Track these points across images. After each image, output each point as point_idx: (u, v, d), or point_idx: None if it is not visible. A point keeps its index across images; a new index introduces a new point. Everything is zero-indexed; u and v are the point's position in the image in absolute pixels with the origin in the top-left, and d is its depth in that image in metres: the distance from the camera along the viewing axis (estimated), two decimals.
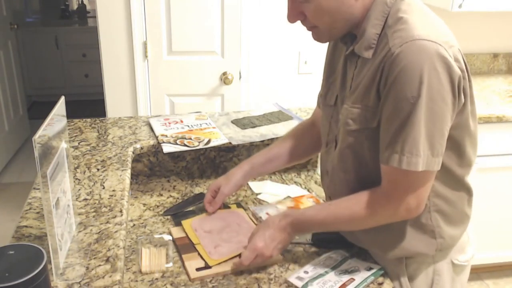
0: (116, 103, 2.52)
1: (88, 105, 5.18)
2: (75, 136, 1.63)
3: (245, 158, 1.68)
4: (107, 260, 1.01)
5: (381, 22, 1.02)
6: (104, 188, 1.29)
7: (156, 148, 1.58)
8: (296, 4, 1.03)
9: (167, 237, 1.27)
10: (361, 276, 1.13)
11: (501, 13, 2.75)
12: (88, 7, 5.61)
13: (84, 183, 1.31)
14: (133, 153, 1.54)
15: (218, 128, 1.68)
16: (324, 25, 1.04)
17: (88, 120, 1.77)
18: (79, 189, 1.28)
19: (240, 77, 2.52)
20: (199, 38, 2.44)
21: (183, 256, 1.21)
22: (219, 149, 1.65)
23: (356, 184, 1.12)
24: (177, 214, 1.42)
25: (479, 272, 2.67)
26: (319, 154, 1.33)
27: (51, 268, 0.93)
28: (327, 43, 1.23)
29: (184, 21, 2.40)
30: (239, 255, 1.17)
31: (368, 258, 1.21)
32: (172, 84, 2.51)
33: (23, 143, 4.34)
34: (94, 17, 4.81)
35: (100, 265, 0.99)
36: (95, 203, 1.22)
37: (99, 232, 1.10)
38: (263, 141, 1.62)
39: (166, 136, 1.60)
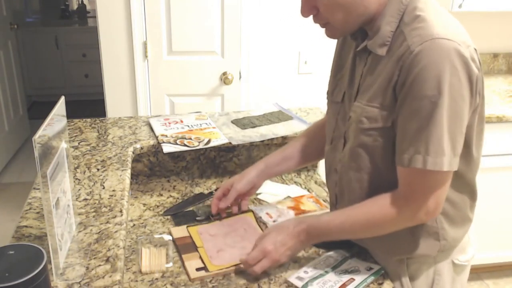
0: (116, 103, 2.52)
1: (88, 105, 5.18)
2: (75, 136, 1.63)
3: (245, 158, 1.69)
4: (107, 260, 1.01)
5: (397, 20, 1.01)
6: (104, 188, 1.29)
7: (156, 148, 1.58)
8: None
9: (167, 237, 1.27)
10: (361, 276, 1.13)
11: (501, 13, 2.75)
12: (88, 7, 5.61)
13: (84, 183, 1.31)
14: (133, 153, 1.54)
15: (218, 128, 1.68)
16: (337, 20, 1.03)
17: (88, 120, 1.77)
18: (79, 189, 1.28)
19: (240, 77, 2.52)
20: (199, 38, 2.44)
21: (183, 256, 1.20)
22: (219, 149, 1.65)
23: (368, 184, 1.11)
24: (177, 214, 1.42)
25: (479, 272, 2.67)
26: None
27: (51, 268, 0.93)
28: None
29: (184, 21, 2.40)
30: (240, 264, 1.17)
31: (368, 258, 1.21)
32: (172, 84, 2.51)
33: (23, 143, 4.34)
34: (94, 17, 4.82)
35: (100, 265, 0.99)
36: (95, 203, 1.22)
37: (99, 232, 1.10)
38: (263, 141, 1.62)
39: (166, 136, 1.60)
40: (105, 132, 1.66)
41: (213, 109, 2.55)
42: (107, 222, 1.14)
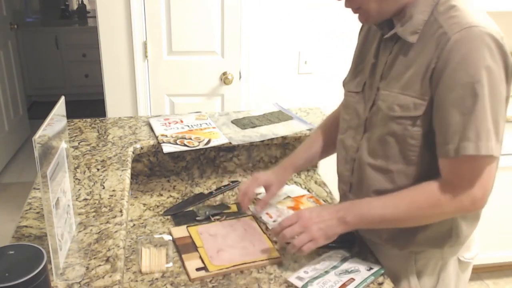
0: (116, 103, 2.52)
1: (88, 105, 5.18)
2: (75, 136, 1.63)
3: (245, 158, 1.69)
4: (107, 260, 1.01)
5: (429, 9, 1.03)
6: (104, 188, 1.29)
7: (156, 148, 1.58)
8: None
9: (167, 237, 1.27)
10: (361, 276, 1.13)
11: (501, 13, 2.75)
12: (88, 7, 5.61)
13: (84, 183, 1.31)
14: (133, 153, 1.54)
15: (218, 128, 1.68)
16: (371, 7, 1.05)
17: (88, 120, 1.77)
18: (79, 189, 1.28)
19: (240, 77, 2.52)
20: (199, 38, 2.44)
21: (183, 256, 1.20)
22: (219, 149, 1.65)
23: (394, 172, 1.10)
24: (177, 214, 1.42)
25: (479, 272, 2.67)
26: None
27: (51, 268, 0.93)
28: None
29: (184, 21, 2.40)
30: (241, 264, 1.17)
31: (368, 258, 1.21)
32: (172, 84, 2.51)
33: (23, 143, 4.34)
34: (94, 17, 4.82)
35: (100, 265, 0.99)
36: (95, 203, 1.22)
37: (99, 232, 1.10)
38: (263, 141, 1.62)
39: (166, 136, 1.60)
40: (105, 132, 1.66)
41: (213, 109, 2.55)
42: (107, 222, 1.14)
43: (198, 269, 1.16)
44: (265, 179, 1.34)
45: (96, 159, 1.45)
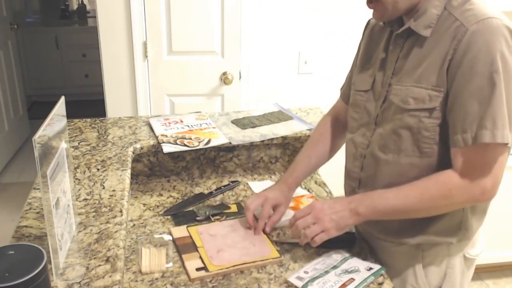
0: (116, 103, 2.52)
1: (88, 105, 5.17)
2: (75, 136, 1.63)
3: (245, 158, 1.69)
4: (107, 260, 1.01)
5: (442, 4, 1.05)
6: (104, 188, 1.29)
7: (156, 148, 1.58)
8: None
9: (167, 237, 1.27)
10: (361, 276, 1.13)
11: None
12: (88, 7, 5.61)
13: (84, 183, 1.31)
14: (133, 153, 1.54)
15: (218, 128, 1.68)
16: (388, 1, 1.06)
17: (88, 120, 1.77)
18: (79, 189, 1.28)
19: (240, 77, 2.52)
20: (199, 38, 2.44)
21: (183, 256, 1.20)
22: (219, 149, 1.65)
23: (406, 166, 1.11)
24: (177, 214, 1.42)
25: (479, 272, 2.67)
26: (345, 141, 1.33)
27: (51, 268, 0.93)
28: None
29: (184, 21, 2.40)
30: (241, 264, 1.17)
31: (368, 258, 1.21)
32: (172, 84, 2.51)
33: (23, 143, 4.34)
34: (94, 17, 4.81)
35: (100, 265, 0.99)
36: (95, 203, 1.22)
37: (99, 232, 1.10)
38: (263, 141, 1.62)
39: (166, 136, 1.60)
40: (105, 132, 1.66)
41: (213, 109, 2.55)
42: (107, 222, 1.14)
43: (198, 269, 1.16)
44: (276, 200, 1.31)
45: (96, 159, 1.45)
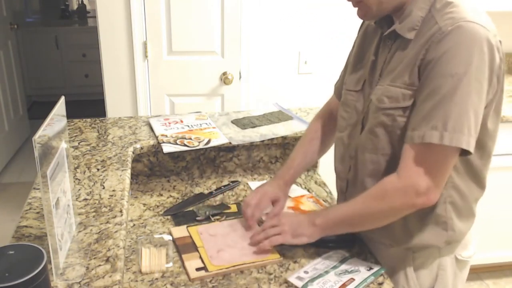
0: (116, 103, 2.52)
1: (88, 105, 5.17)
2: (75, 136, 1.63)
3: (245, 158, 1.69)
4: (107, 260, 1.01)
5: (427, 6, 1.04)
6: (104, 188, 1.29)
7: (156, 148, 1.58)
8: None
9: (167, 237, 1.27)
10: (361, 276, 1.13)
11: (501, 13, 2.75)
12: (88, 7, 5.61)
13: (84, 183, 1.31)
14: (133, 153, 1.54)
15: (218, 128, 1.68)
16: (371, 0, 1.05)
17: (88, 120, 1.77)
18: (79, 189, 1.28)
19: (240, 77, 2.52)
20: (199, 38, 2.44)
21: (183, 256, 1.20)
22: (219, 149, 1.65)
23: (383, 166, 1.11)
24: (177, 214, 1.42)
25: (479, 272, 2.67)
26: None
27: (51, 268, 0.93)
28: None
29: (184, 21, 2.40)
30: (241, 264, 1.17)
31: (368, 258, 1.21)
32: (172, 84, 2.51)
33: (23, 143, 4.34)
34: (94, 17, 4.82)
35: (100, 265, 0.99)
36: (95, 203, 1.22)
37: (99, 232, 1.10)
38: (263, 141, 1.62)
39: (166, 136, 1.60)
40: (105, 132, 1.66)
41: (213, 109, 2.55)
42: (107, 222, 1.14)
43: (198, 269, 1.16)
44: (275, 194, 1.32)
45: (96, 159, 1.45)
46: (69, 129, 1.67)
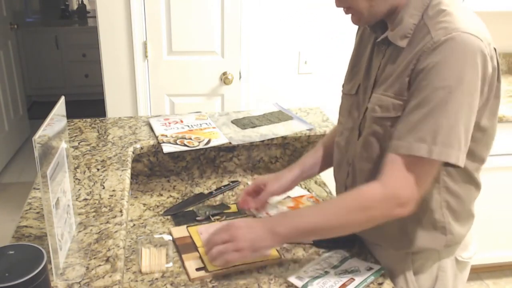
0: (116, 103, 2.52)
1: (88, 105, 5.17)
2: (75, 136, 1.63)
3: (245, 158, 1.69)
4: (107, 260, 1.01)
5: (420, 13, 1.02)
6: (104, 188, 1.29)
7: (156, 148, 1.58)
8: None
9: (167, 237, 1.27)
10: (361, 276, 1.13)
11: (501, 13, 2.75)
12: (88, 7, 5.61)
13: (84, 183, 1.31)
14: (133, 153, 1.54)
15: (218, 128, 1.68)
16: (361, 6, 1.03)
17: (88, 120, 1.77)
18: (79, 189, 1.28)
19: (240, 77, 2.52)
20: (199, 38, 2.44)
21: (183, 256, 1.20)
22: (219, 149, 1.65)
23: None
24: (177, 214, 1.42)
25: (479, 272, 2.67)
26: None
27: (51, 268, 0.93)
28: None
29: (184, 21, 2.40)
30: (241, 264, 1.17)
31: (368, 258, 1.21)
32: (172, 84, 2.51)
33: (23, 143, 4.34)
34: (94, 17, 4.82)
35: (100, 265, 0.99)
36: (95, 203, 1.22)
37: (99, 232, 1.10)
38: (263, 141, 1.62)
39: (166, 136, 1.60)
40: (105, 132, 1.66)
41: (213, 109, 2.55)
42: (107, 222, 1.14)
43: (198, 269, 1.16)
44: (262, 178, 1.35)
45: (96, 159, 1.45)
46: (69, 129, 1.67)
